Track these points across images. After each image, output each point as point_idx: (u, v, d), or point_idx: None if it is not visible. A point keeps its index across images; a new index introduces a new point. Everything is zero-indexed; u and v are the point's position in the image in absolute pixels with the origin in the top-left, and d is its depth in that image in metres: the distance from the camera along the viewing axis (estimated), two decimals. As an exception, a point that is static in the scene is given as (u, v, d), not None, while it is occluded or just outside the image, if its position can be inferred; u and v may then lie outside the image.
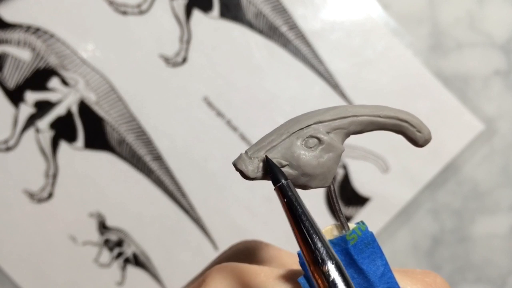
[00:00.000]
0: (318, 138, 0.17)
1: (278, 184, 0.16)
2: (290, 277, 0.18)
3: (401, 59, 0.47)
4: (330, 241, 0.17)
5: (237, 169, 0.17)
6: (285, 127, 0.18)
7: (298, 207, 0.16)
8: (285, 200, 0.16)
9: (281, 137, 0.17)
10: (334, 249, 0.17)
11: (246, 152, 0.17)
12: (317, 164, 0.17)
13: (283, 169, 0.17)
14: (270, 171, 0.17)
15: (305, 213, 0.16)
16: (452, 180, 0.48)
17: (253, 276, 0.18)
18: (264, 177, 0.17)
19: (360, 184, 0.47)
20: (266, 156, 0.17)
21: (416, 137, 0.18)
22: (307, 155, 0.17)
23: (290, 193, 0.16)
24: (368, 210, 0.47)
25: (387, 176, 0.47)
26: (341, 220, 0.18)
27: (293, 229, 0.16)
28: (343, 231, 0.17)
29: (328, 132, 0.17)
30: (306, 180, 0.17)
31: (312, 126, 0.17)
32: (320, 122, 0.17)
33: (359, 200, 0.47)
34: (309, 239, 0.15)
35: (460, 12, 0.48)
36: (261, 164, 0.17)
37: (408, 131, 0.18)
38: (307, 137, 0.17)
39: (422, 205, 0.48)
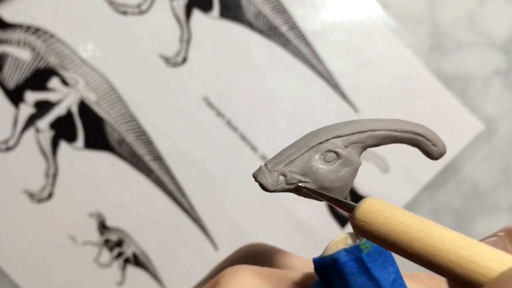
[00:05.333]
0: (336, 153, 0.18)
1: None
2: (302, 280, 0.18)
3: (401, 59, 0.47)
4: (345, 249, 0.18)
5: (257, 181, 0.18)
6: (304, 141, 0.18)
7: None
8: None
9: (300, 151, 0.18)
10: (348, 257, 0.17)
11: (265, 164, 0.18)
12: (335, 178, 0.18)
13: (302, 184, 0.18)
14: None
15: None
16: (452, 180, 0.48)
17: (266, 279, 0.18)
18: (283, 190, 0.18)
19: (360, 184, 0.47)
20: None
21: (431, 150, 0.18)
22: (325, 169, 0.18)
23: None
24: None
25: (387, 176, 0.47)
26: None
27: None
28: (357, 240, 0.18)
29: (346, 146, 0.18)
30: (324, 192, 0.18)
31: (331, 140, 0.18)
32: (339, 136, 0.18)
33: (359, 200, 0.47)
34: None
35: (460, 12, 0.48)
36: (280, 178, 0.18)
37: (423, 144, 0.18)
38: (325, 152, 0.18)
39: (422, 205, 0.48)
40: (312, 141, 0.18)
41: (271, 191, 0.18)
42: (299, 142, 0.18)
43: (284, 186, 0.18)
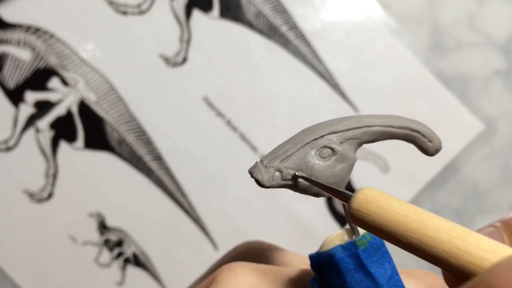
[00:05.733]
0: (332, 149, 0.18)
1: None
2: (299, 277, 0.18)
3: (401, 59, 0.47)
4: (341, 245, 0.18)
5: (253, 177, 0.18)
6: (299, 137, 0.18)
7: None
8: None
9: (295, 146, 0.18)
10: (344, 253, 0.17)
11: (261, 160, 0.18)
12: (330, 174, 0.18)
13: (298, 173, 0.17)
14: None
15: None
16: (452, 180, 0.48)
17: (262, 275, 0.18)
18: (279, 185, 0.18)
19: (360, 184, 0.47)
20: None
21: (427, 146, 0.18)
22: (320, 165, 0.18)
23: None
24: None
25: (387, 176, 0.47)
26: (352, 226, 0.18)
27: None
28: (354, 237, 0.18)
29: (341, 142, 0.18)
30: (319, 189, 0.18)
31: (326, 136, 0.18)
32: (334, 132, 0.18)
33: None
34: None
35: (460, 12, 0.48)
36: (276, 173, 0.18)
37: (419, 140, 0.18)
38: (321, 147, 0.18)
39: (422, 205, 0.48)
40: (308, 137, 0.18)
41: (267, 187, 0.18)
42: (294, 138, 0.18)
43: (280, 181, 0.18)
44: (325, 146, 0.18)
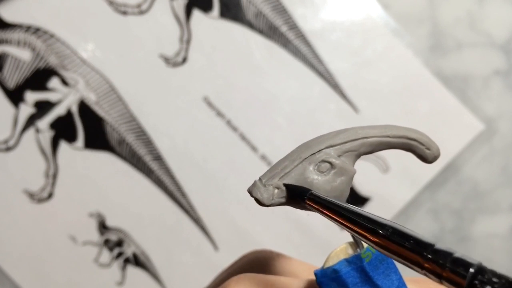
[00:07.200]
0: (330, 163, 0.18)
1: (306, 197, 0.17)
2: None
3: (401, 59, 0.47)
4: (346, 259, 0.17)
5: (252, 197, 0.18)
6: (297, 152, 0.18)
7: (333, 205, 0.16)
8: (318, 206, 0.16)
9: (293, 163, 0.18)
10: (349, 267, 0.17)
11: (260, 179, 0.18)
12: (330, 189, 0.17)
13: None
14: (292, 192, 0.17)
15: (342, 206, 0.16)
16: (452, 180, 0.48)
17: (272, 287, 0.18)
18: (280, 203, 0.18)
19: (360, 184, 0.47)
20: (284, 184, 0.17)
21: (425, 154, 0.18)
22: (320, 180, 0.17)
23: (319, 199, 0.16)
24: (368, 210, 0.47)
25: (387, 176, 0.47)
26: (356, 239, 0.18)
27: (344, 227, 0.16)
28: (358, 250, 0.18)
29: (339, 156, 0.18)
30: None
31: (324, 150, 0.18)
32: (331, 146, 0.18)
33: (359, 200, 0.47)
34: (360, 225, 0.15)
35: (460, 12, 0.48)
36: (276, 191, 0.17)
37: (417, 149, 0.18)
38: (319, 162, 0.18)
39: (422, 205, 0.48)
40: (305, 153, 0.18)
41: (267, 206, 0.17)
42: (292, 154, 0.18)
43: (280, 199, 0.17)
44: (323, 161, 0.17)
